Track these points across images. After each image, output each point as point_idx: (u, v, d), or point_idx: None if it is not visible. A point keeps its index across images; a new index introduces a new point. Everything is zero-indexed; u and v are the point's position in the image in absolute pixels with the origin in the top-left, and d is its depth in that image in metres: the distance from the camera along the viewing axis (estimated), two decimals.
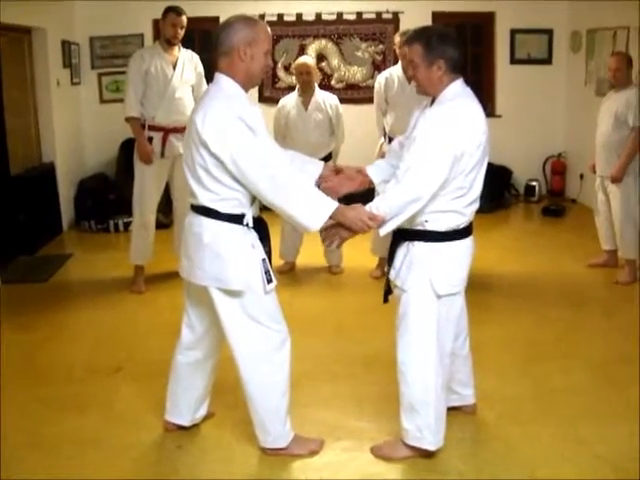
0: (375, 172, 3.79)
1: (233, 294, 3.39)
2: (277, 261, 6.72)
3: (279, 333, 3.52)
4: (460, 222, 3.43)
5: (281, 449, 3.65)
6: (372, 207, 3.35)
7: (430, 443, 3.55)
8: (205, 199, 3.33)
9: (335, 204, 3.30)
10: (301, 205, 3.26)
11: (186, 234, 3.50)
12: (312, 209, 3.27)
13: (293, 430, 3.69)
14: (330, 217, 3.29)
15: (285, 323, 3.57)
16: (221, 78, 3.36)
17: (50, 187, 8.56)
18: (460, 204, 3.39)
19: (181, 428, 3.90)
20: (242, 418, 3.81)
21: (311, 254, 7.01)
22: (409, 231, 3.47)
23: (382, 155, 6.27)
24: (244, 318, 3.44)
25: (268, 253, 3.48)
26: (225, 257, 3.35)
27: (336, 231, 3.44)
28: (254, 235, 3.40)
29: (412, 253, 3.46)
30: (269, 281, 3.41)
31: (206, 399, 3.95)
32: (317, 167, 3.74)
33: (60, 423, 4.07)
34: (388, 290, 3.67)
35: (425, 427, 3.53)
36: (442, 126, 3.29)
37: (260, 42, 3.33)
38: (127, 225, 8.30)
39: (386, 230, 3.40)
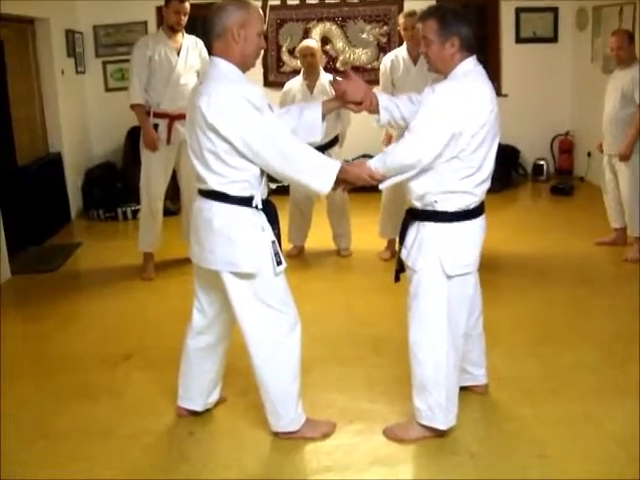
0: (382, 97, 3.78)
1: (244, 277, 3.40)
2: (286, 245, 6.71)
3: (289, 317, 3.53)
4: (470, 202, 3.42)
5: (293, 432, 3.66)
6: (371, 166, 3.43)
7: (442, 422, 3.57)
8: (214, 183, 3.34)
9: (339, 164, 3.40)
10: (310, 172, 3.34)
11: (196, 219, 3.51)
12: (320, 174, 3.35)
13: (305, 414, 3.70)
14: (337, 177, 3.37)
15: (295, 307, 3.58)
16: (218, 61, 3.37)
17: (57, 177, 8.59)
18: (469, 184, 3.38)
19: (193, 414, 3.92)
20: (254, 403, 3.82)
21: (320, 238, 7.01)
22: (420, 211, 3.48)
23: (389, 138, 6.27)
24: (255, 302, 3.45)
25: (277, 235, 3.48)
26: (236, 240, 3.36)
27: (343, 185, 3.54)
28: (263, 217, 3.41)
29: (422, 233, 3.47)
30: (279, 263, 3.43)
31: (218, 384, 3.96)
32: (316, 112, 3.68)
33: (71, 412, 4.09)
34: (400, 269, 3.67)
35: (437, 406, 3.54)
36: (445, 101, 3.30)
37: (253, 23, 3.34)
38: (135, 213, 8.32)
39: (385, 186, 3.51)
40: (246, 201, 3.36)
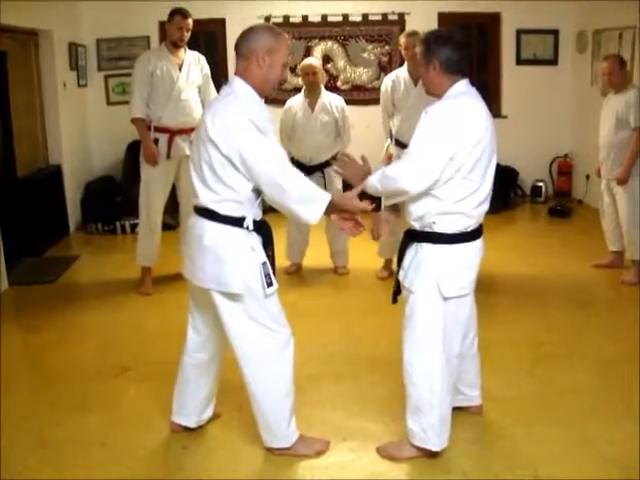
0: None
1: (234, 297, 3.41)
2: (284, 262, 6.74)
3: (282, 335, 3.53)
4: (468, 224, 3.44)
5: (287, 449, 3.66)
6: (368, 184, 3.50)
7: (434, 444, 3.56)
8: (207, 200, 3.36)
9: (329, 196, 3.40)
10: (300, 201, 3.33)
11: (189, 236, 3.54)
12: (310, 204, 3.36)
13: (298, 430, 3.70)
14: (327, 208, 3.38)
15: (288, 324, 3.58)
16: (236, 81, 3.41)
17: (57, 189, 8.59)
18: (467, 206, 3.40)
19: (187, 429, 3.92)
20: (248, 419, 3.82)
21: (317, 255, 7.02)
22: (418, 232, 3.50)
23: (388, 157, 6.28)
24: (246, 320, 3.46)
25: (271, 257, 3.49)
26: (225, 260, 3.37)
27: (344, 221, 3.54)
28: (255, 238, 3.42)
29: (420, 255, 3.48)
30: (269, 284, 3.42)
31: (212, 400, 3.97)
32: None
33: (66, 424, 4.08)
34: (397, 290, 3.68)
35: (430, 428, 3.54)
36: (439, 123, 3.34)
37: (280, 52, 3.39)
38: (134, 227, 8.32)
39: (389, 203, 3.65)
40: (237, 221, 3.37)
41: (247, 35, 3.40)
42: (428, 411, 3.53)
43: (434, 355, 3.50)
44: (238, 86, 3.39)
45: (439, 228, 3.42)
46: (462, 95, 3.44)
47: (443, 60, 3.41)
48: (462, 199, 3.38)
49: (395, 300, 3.71)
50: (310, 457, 3.67)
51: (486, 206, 3.50)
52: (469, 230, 3.45)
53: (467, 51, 3.58)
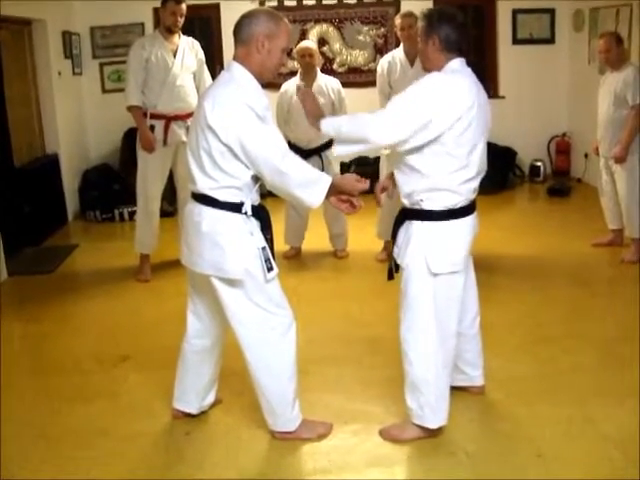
0: None
1: (234, 283, 3.41)
2: (283, 246, 6.73)
3: (284, 318, 3.53)
4: (456, 201, 3.44)
5: (290, 433, 3.67)
6: (321, 126, 3.48)
7: (431, 421, 3.58)
8: (205, 186, 3.35)
9: (330, 178, 3.37)
10: (301, 186, 3.31)
11: (186, 222, 3.52)
12: (312, 188, 3.33)
13: (302, 414, 3.70)
14: (329, 191, 3.36)
15: (290, 308, 3.57)
16: (234, 66, 3.38)
17: (54, 178, 8.59)
18: (454, 182, 3.40)
19: (189, 416, 3.92)
20: (250, 403, 3.83)
21: (317, 239, 7.02)
22: (408, 210, 3.52)
23: None
24: (247, 305, 3.45)
25: (270, 241, 3.48)
26: (223, 246, 3.36)
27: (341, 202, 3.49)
28: (254, 223, 3.41)
29: (410, 231, 3.50)
30: (269, 269, 3.41)
31: (214, 386, 3.96)
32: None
33: (67, 414, 4.09)
34: (394, 268, 3.68)
35: (426, 404, 3.56)
36: (423, 90, 3.37)
37: (280, 38, 3.35)
38: (132, 214, 8.30)
39: (338, 153, 3.55)
40: (235, 207, 3.36)
41: (246, 20, 3.35)
42: (424, 388, 3.55)
43: (427, 332, 3.51)
44: (237, 72, 3.36)
45: (427, 205, 3.43)
46: (454, 72, 3.44)
47: (443, 37, 3.44)
48: (448, 175, 3.38)
49: (391, 277, 3.71)
50: (313, 441, 3.68)
51: (474, 183, 3.50)
52: (457, 207, 3.45)
53: (466, 31, 3.59)
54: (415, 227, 3.48)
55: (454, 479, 3.35)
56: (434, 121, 3.28)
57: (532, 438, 3.62)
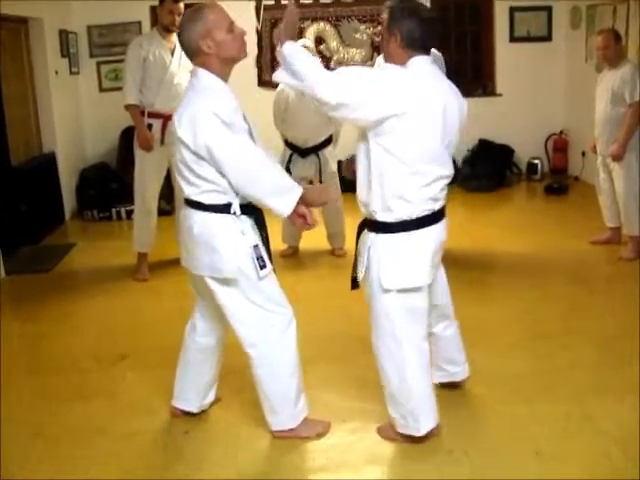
0: None
1: (229, 282, 3.42)
2: (280, 245, 6.73)
3: (283, 316, 3.53)
4: (411, 212, 3.29)
5: (288, 431, 3.66)
6: (283, 48, 3.35)
7: (415, 429, 3.51)
8: (190, 192, 3.39)
9: (300, 189, 3.37)
10: (271, 194, 3.32)
11: (182, 226, 3.56)
12: (281, 197, 3.34)
13: (306, 410, 3.70)
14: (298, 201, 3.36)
15: (288, 305, 3.57)
16: (199, 72, 3.37)
17: (51, 177, 8.57)
18: (405, 188, 3.26)
19: (188, 414, 3.91)
20: (249, 401, 3.83)
21: (314, 237, 6.98)
22: (366, 220, 3.47)
23: None
24: (244, 303, 3.45)
25: (266, 239, 3.50)
26: (215, 247, 3.37)
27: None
28: (245, 222, 3.41)
29: (365, 243, 3.45)
30: (262, 267, 3.41)
31: (214, 385, 3.96)
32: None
33: (66, 413, 4.08)
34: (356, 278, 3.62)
35: (408, 414, 3.49)
36: (378, 74, 3.37)
37: (215, 27, 3.32)
38: (129, 213, 8.27)
39: (276, 79, 3.45)
40: (223, 208, 3.37)
41: (182, 35, 3.38)
42: (403, 399, 3.49)
43: (397, 343, 3.43)
44: (202, 76, 3.36)
45: (380, 217, 3.33)
46: (422, 70, 3.31)
47: (405, 33, 3.28)
48: (398, 179, 3.25)
49: (355, 286, 3.67)
50: (311, 439, 3.67)
51: (431, 191, 3.31)
52: (414, 218, 3.31)
53: (432, 27, 3.39)
54: (370, 239, 3.41)
55: (452, 477, 3.34)
56: (373, 102, 3.16)
57: (530, 436, 3.61)
